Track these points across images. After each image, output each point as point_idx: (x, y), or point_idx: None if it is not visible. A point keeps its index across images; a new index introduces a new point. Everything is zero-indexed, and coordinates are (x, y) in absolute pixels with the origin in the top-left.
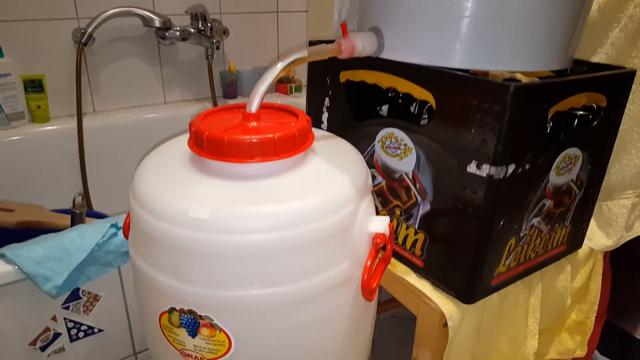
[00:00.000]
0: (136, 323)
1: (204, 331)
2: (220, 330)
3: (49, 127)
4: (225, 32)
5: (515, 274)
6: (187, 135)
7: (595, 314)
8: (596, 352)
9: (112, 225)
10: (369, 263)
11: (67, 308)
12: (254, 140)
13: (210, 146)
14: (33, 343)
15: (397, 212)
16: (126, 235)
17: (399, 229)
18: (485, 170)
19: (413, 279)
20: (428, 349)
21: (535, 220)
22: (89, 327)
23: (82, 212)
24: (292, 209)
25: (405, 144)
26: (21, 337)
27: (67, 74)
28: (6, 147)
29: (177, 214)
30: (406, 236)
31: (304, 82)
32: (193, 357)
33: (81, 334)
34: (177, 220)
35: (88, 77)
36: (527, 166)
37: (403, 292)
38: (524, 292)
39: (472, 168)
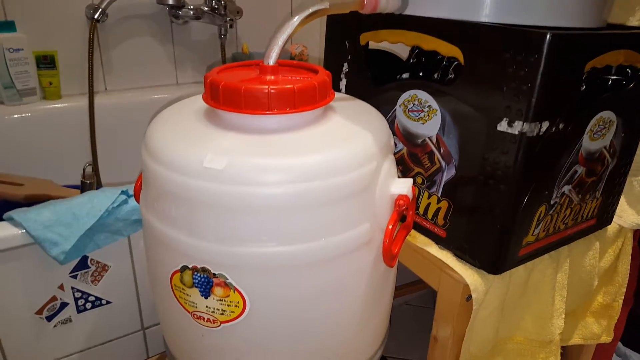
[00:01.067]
0: (145, 296)
1: (218, 291)
2: (235, 290)
3: (60, 105)
4: (239, 12)
5: (543, 245)
6: (201, 95)
7: (622, 297)
8: (619, 343)
9: (123, 192)
10: (390, 226)
11: (75, 277)
12: (272, 91)
13: (226, 97)
14: (39, 312)
15: (419, 179)
16: (137, 199)
17: (420, 198)
18: (518, 127)
19: (434, 250)
20: (449, 325)
21: (566, 188)
22: (97, 298)
23: (92, 183)
24: (311, 162)
25: (429, 106)
26: (27, 305)
27: (79, 51)
28: (18, 123)
29: (191, 165)
30: (428, 205)
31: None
32: (205, 320)
33: (89, 305)
34: (192, 171)
35: (100, 55)
36: (560, 125)
37: (423, 265)
38: (551, 267)
39: (503, 126)
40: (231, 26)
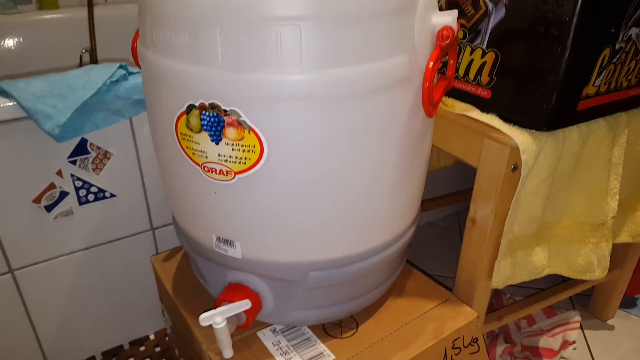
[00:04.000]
0: (153, 192)
1: (230, 132)
2: (250, 130)
3: (57, 15)
4: None
5: (602, 103)
6: None
7: None
8: None
9: (121, 66)
10: (431, 64)
11: (74, 162)
12: None
13: None
14: (37, 200)
15: (460, 34)
16: (136, 59)
17: (460, 56)
18: None
19: (477, 114)
20: (490, 201)
21: (633, 32)
22: (100, 190)
23: None
24: None
25: None
26: (23, 190)
27: None
28: (12, 34)
29: None
30: (470, 63)
31: None
32: (217, 172)
33: (91, 197)
34: None
35: None
36: None
37: (461, 137)
38: (608, 137)
39: None
40: None
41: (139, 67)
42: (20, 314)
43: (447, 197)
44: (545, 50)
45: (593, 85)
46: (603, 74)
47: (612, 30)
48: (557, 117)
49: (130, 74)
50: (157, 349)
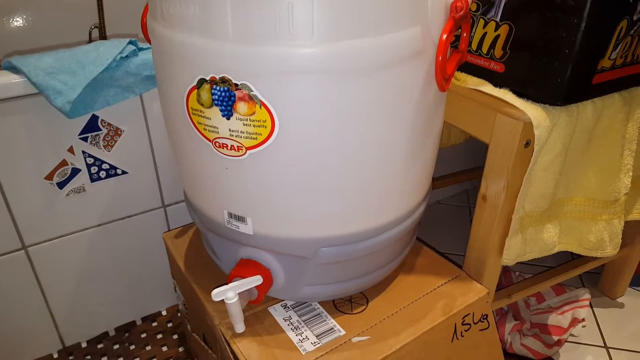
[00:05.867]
0: (164, 169)
1: (241, 107)
2: (261, 104)
3: None
4: None
5: (618, 78)
6: None
7: None
8: None
9: (131, 42)
10: (445, 36)
11: (85, 140)
12: None
13: None
14: (49, 177)
15: (473, 6)
16: (146, 34)
17: (473, 30)
18: None
19: (489, 89)
20: (502, 178)
21: None
22: (111, 167)
23: None
24: None
25: None
26: (35, 167)
27: None
28: (21, 10)
29: None
30: (483, 36)
31: None
32: (229, 148)
33: (103, 174)
34: None
35: None
36: None
37: (473, 112)
38: (623, 112)
39: None
40: None
41: (149, 42)
42: (34, 290)
43: (456, 176)
44: (561, 22)
45: (609, 58)
46: (619, 47)
47: (630, 1)
48: (572, 91)
49: (140, 49)
50: (169, 325)
